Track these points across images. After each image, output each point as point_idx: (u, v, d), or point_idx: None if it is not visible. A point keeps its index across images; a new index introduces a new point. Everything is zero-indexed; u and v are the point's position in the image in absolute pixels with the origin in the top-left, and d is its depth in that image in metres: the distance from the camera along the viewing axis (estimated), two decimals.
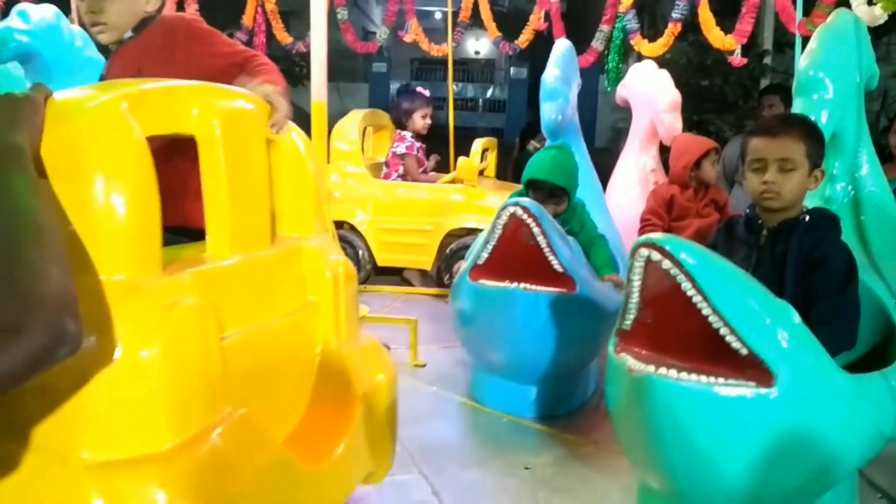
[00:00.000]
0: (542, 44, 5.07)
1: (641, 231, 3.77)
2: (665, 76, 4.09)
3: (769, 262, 1.91)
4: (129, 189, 1.20)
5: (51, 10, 3.15)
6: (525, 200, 2.37)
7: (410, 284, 4.71)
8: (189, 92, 1.43)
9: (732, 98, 7.10)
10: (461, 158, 4.42)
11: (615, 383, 1.71)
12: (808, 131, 1.93)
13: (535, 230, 2.37)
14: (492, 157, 5.07)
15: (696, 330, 1.59)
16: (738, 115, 7.07)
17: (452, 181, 4.53)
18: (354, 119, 4.63)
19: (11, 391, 0.92)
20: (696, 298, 1.51)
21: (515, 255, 2.46)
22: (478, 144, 4.55)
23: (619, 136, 8.70)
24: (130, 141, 1.23)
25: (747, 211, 2.04)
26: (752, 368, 1.56)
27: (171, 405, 1.19)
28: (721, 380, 1.54)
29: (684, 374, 1.52)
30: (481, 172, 4.82)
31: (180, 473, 1.15)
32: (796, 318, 1.64)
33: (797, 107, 2.24)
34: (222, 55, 1.88)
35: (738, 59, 4.09)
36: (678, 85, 4.11)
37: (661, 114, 4.01)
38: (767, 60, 7.05)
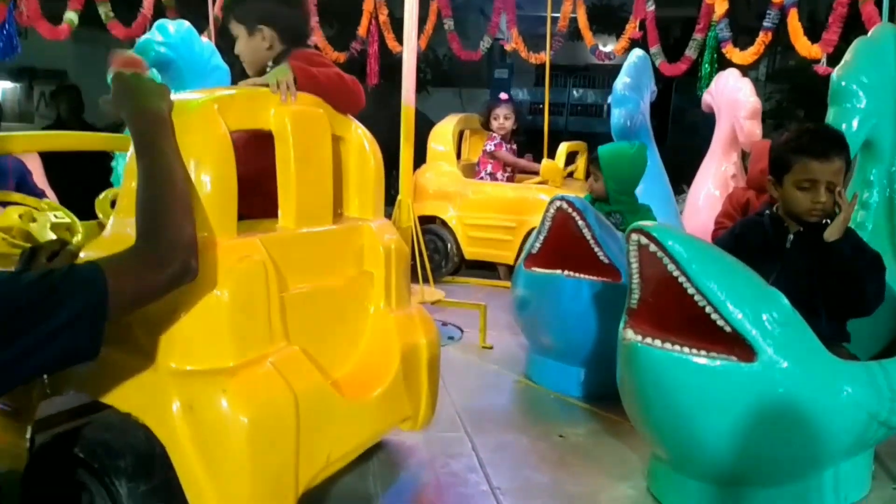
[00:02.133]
0: (667, 51, 5.19)
1: (714, 234, 3.90)
2: (746, 84, 4.18)
3: (799, 265, 2.04)
4: (214, 170, 1.59)
5: (185, 25, 3.71)
6: (571, 195, 2.63)
7: (500, 278, 5.02)
8: (267, 96, 1.82)
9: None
10: (545, 160, 4.68)
11: (622, 357, 1.95)
12: (846, 150, 2.07)
13: (580, 223, 2.62)
14: (581, 161, 5.29)
15: (687, 310, 1.81)
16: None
17: (539, 182, 4.80)
18: (450, 122, 4.99)
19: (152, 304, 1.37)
20: (682, 279, 1.74)
21: (565, 247, 2.72)
22: (563, 147, 4.79)
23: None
24: (217, 133, 1.62)
25: (767, 212, 2.20)
26: (736, 345, 1.76)
27: (236, 334, 1.57)
28: (703, 352, 1.75)
29: (668, 345, 1.75)
30: (571, 175, 5.05)
31: (239, 386, 1.53)
32: (785, 303, 1.83)
33: (831, 115, 2.37)
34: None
35: (824, 69, 4.11)
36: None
37: (742, 120, 4.11)
38: None
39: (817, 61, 4.12)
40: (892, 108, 2.34)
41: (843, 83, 2.31)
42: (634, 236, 1.76)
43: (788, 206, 2.14)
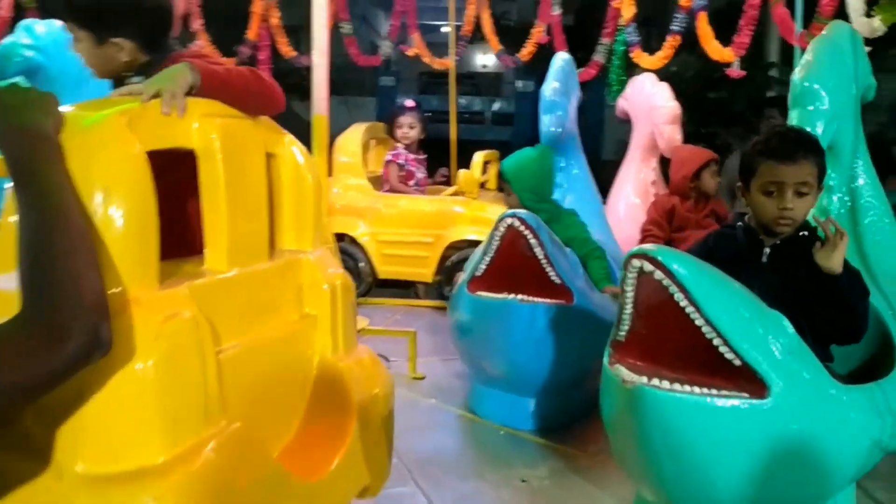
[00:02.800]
0: (549, 57, 5.11)
1: (642, 242, 3.79)
2: (664, 88, 4.11)
3: (775, 280, 1.88)
4: (127, 202, 1.22)
5: (56, 25, 3.18)
6: (522, 212, 2.39)
7: (418, 296, 4.72)
8: (189, 107, 1.45)
9: (739, 110, 7.12)
10: (461, 171, 4.44)
11: (609, 395, 1.72)
12: (818, 153, 1.92)
13: (533, 241, 2.38)
14: (493, 170, 5.09)
15: (689, 341, 1.60)
16: (744, 128, 7.09)
17: (454, 194, 4.55)
18: (356, 132, 4.66)
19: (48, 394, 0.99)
20: (689, 309, 1.52)
21: (513, 267, 2.48)
22: (478, 157, 4.57)
23: (625, 148, 8.71)
24: (130, 155, 1.25)
25: (740, 224, 2.03)
26: (746, 379, 1.57)
27: (166, 418, 1.20)
28: (714, 391, 1.55)
29: (677, 385, 1.53)
30: (483, 185, 4.84)
31: (174, 487, 1.16)
32: (790, 327, 1.66)
33: (793, 118, 2.25)
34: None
35: (736, 72, 4.11)
36: (685, 97, 4.14)
37: (660, 125, 4.04)
38: (773, 73, 7.07)
39: (729, 65, 4.10)
40: (851, 109, 2.25)
41: (806, 84, 2.19)
42: (636, 262, 1.53)
43: (756, 214, 1.99)
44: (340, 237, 4.49)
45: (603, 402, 1.79)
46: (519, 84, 12.39)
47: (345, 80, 10.60)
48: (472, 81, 14.31)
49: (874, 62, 2.41)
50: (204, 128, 1.44)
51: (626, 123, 8.64)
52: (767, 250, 1.96)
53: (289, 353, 1.65)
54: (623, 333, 1.70)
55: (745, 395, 1.55)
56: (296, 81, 9.10)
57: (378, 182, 4.67)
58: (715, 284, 1.55)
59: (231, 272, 1.47)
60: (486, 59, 16.67)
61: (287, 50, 5.66)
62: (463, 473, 2.34)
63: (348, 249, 4.46)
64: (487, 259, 2.49)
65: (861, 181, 2.37)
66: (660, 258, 1.50)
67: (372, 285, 4.56)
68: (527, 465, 2.40)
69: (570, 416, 2.72)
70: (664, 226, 3.75)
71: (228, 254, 1.47)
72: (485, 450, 2.52)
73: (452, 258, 4.33)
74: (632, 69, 4.82)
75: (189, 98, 1.47)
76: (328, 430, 1.71)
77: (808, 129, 2.12)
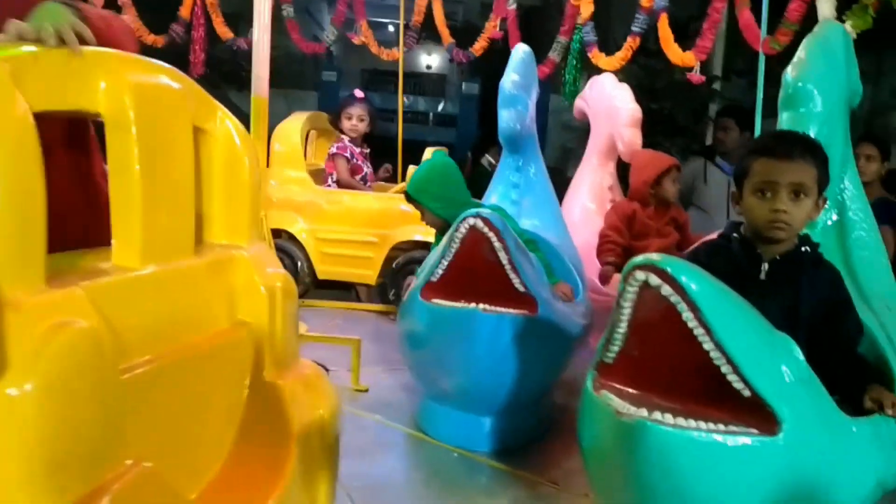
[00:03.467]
0: (495, 59, 4.92)
1: (601, 248, 3.60)
2: (626, 90, 3.95)
3: (774, 301, 1.68)
4: (5, 176, 0.92)
5: None
6: (486, 211, 2.14)
7: (359, 299, 4.42)
8: (96, 60, 1.15)
9: (682, 122, 7.08)
10: (411, 167, 4.16)
11: (594, 424, 1.49)
12: (819, 154, 1.73)
13: (497, 245, 2.14)
14: None
15: (691, 366, 1.39)
16: (687, 138, 7.04)
17: (401, 191, 4.28)
18: (297, 121, 4.35)
19: None
20: (698, 331, 1.30)
21: (473, 273, 2.23)
22: (428, 153, 4.31)
23: (567, 155, 8.59)
24: (11, 116, 0.94)
25: (735, 235, 1.83)
26: (754, 412, 1.37)
27: (48, 462, 0.90)
28: (721, 426, 1.33)
29: (681, 420, 1.31)
30: None
31: None
32: (799, 354, 1.46)
33: (783, 121, 2.08)
34: None
35: (697, 77, 3.98)
36: None
37: (621, 128, 3.86)
38: (717, 86, 7.05)
39: (690, 69, 3.97)
40: (842, 115, 2.09)
41: (800, 84, 2.01)
42: (640, 274, 1.30)
43: (748, 219, 1.80)
44: (277, 233, 4.17)
45: (583, 432, 1.56)
46: (464, 86, 12.18)
47: (285, 73, 10.22)
48: (417, 81, 14.04)
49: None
50: (113, 88, 1.14)
51: (569, 131, 8.56)
52: (766, 265, 1.76)
53: (216, 369, 1.36)
54: (612, 355, 1.47)
55: (754, 430, 1.35)
56: (232, 69, 8.66)
57: (319, 176, 4.36)
58: (728, 303, 1.34)
59: (145, 270, 1.17)
60: (430, 60, 16.46)
61: (224, 31, 5.28)
62: (413, 503, 2.07)
63: (286, 247, 4.14)
64: (445, 263, 2.23)
65: (848, 193, 2.21)
66: (669, 270, 1.27)
67: (310, 286, 4.25)
68: (483, 493, 2.15)
69: (526, 437, 2.49)
70: (624, 231, 3.57)
71: (142, 247, 1.17)
72: (437, 475, 2.26)
73: (398, 260, 4.06)
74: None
75: (97, 50, 1.17)
76: (262, 460, 1.43)
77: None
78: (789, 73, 2.04)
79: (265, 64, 2.93)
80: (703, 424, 1.31)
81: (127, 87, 1.15)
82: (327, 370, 3.13)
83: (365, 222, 4.11)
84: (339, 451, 1.64)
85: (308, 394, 1.55)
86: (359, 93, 4.37)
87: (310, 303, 4.21)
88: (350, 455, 2.29)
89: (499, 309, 2.19)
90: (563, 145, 9.27)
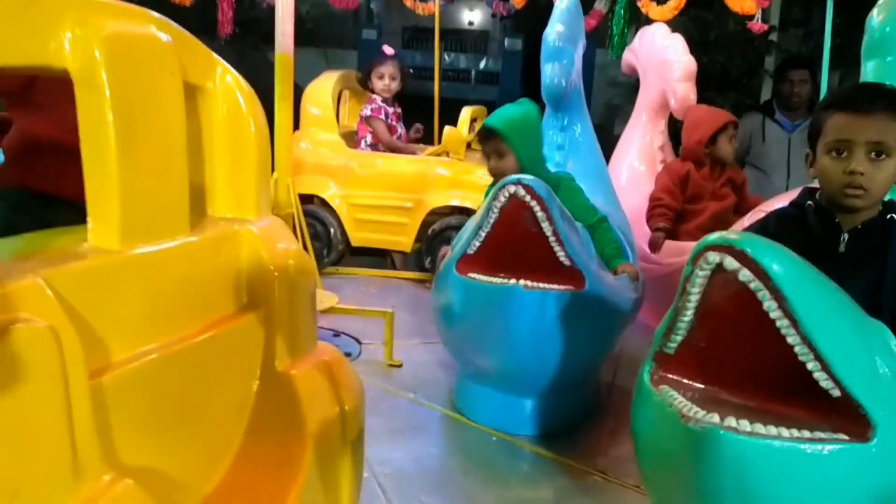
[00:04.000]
0: (538, 13, 4.63)
1: (651, 212, 3.36)
2: (679, 40, 3.64)
3: (855, 276, 1.46)
4: None
5: None
6: (528, 178, 1.93)
7: (394, 267, 4.26)
8: (61, 5, 0.97)
9: (736, 75, 6.67)
10: (447, 128, 3.96)
11: (654, 423, 1.30)
12: None
13: (540, 214, 1.93)
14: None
15: (768, 360, 1.18)
16: (740, 93, 6.64)
17: (437, 154, 4.08)
18: (328, 81, 4.15)
19: None
20: (782, 322, 1.09)
21: (513, 245, 2.03)
22: (466, 113, 4.09)
23: (614, 112, 8.22)
24: None
25: (810, 203, 1.60)
26: (843, 414, 1.15)
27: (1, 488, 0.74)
28: (806, 432, 1.13)
29: (759, 427, 1.10)
30: (469, 145, 4.37)
31: None
32: (892, 339, 1.24)
33: (867, 71, 1.82)
34: None
35: (758, 25, 3.66)
36: None
37: (673, 83, 3.57)
38: (773, 37, 6.62)
39: (751, 17, 3.64)
40: None
41: (888, 28, 1.74)
42: (714, 256, 1.09)
43: (822, 184, 1.57)
44: (309, 199, 4.01)
45: (639, 429, 1.37)
46: (506, 42, 11.81)
47: (324, 32, 10.01)
48: (458, 38, 13.67)
49: None
50: (82, 40, 0.96)
51: (616, 87, 8.16)
52: (846, 236, 1.53)
53: (220, 361, 1.20)
54: (674, 345, 1.27)
55: (844, 436, 1.14)
56: (271, 30, 8.48)
57: (350, 138, 4.17)
58: (818, 291, 1.12)
59: (127, 251, 1.00)
60: (472, 16, 16.07)
61: None
62: (449, 493, 1.91)
63: (318, 213, 3.98)
64: (483, 234, 2.04)
65: None
66: (750, 252, 1.05)
67: (344, 253, 4.09)
68: (525, 482, 1.98)
69: (570, 421, 2.31)
70: (677, 194, 3.32)
71: (121, 225, 1.00)
72: (474, 461, 2.10)
73: (434, 226, 3.87)
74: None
75: None
76: (276, 459, 1.27)
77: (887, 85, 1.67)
78: (875, 16, 1.78)
79: (289, 19, 2.73)
80: (784, 431, 1.11)
81: (98, 39, 0.97)
82: (360, 343, 3.01)
83: (399, 187, 3.93)
84: (363, 447, 1.49)
85: (327, 384, 1.38)
86: (388, 49, 4.14)
87: (343, 271, 4.07)
88: (381, 437, 2.17)
89: (542, 285, 1.99)
90: (608, 102, 8.89)
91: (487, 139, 2.46)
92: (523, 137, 2.42)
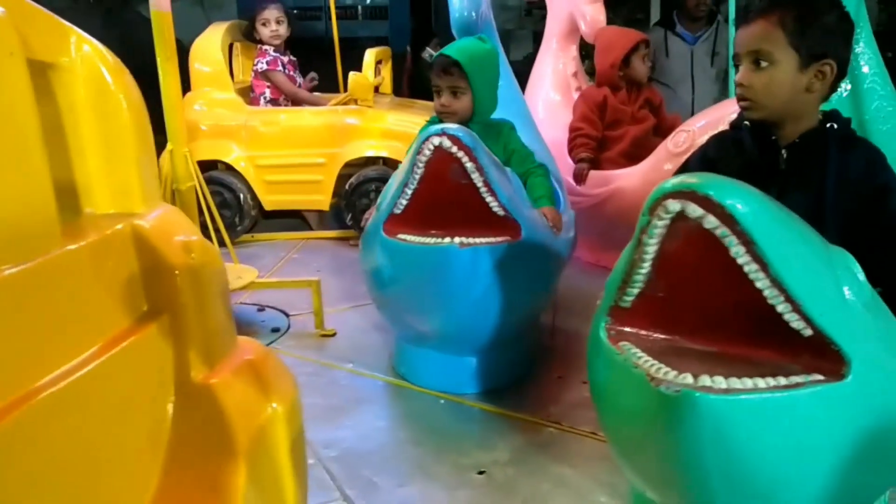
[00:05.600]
0: None
1: (572, 143, 3.27)
2: None
3: (797, 192, 1.41)
4: None
5: None
6: (453, 127, 1.78)
7: (310, 228, 4.06)
8: None
9: None
10: (352, 73, 3.72)
11: (616, 386, 1.20)
12: (797, 11, 1.39)
13: (469, 165, 1.79)
14: (386, 71, 4.40)
15: (732, 303, 1.10)
16: (631, 9, 6.53)
17: (344, 102, 3.85)
18: (216, 34, 3.82)
19: None
20: (750, 267, 1.00)
21: (443, 199, 1.89)
22: (369, 56, 3.86)
23: (508, 38, 7.94)
24: None
25: (746, 123, 1.52)
26: (815, 352, 1.09)
27: None
28: (781, 379, 1.05)
29: (735, 382, 1.02)
30: (377, 89, 4.15)
31: None
32: (860, 271, 1.17)
33: None
34: None
35: None
36: None
37: (581, 5, 3.44)
38: None
39: None
40: None
41: None
42: (673, 204, 0.97)
43: None
44: (212, 165, 3.74)
45: (599, 389, 1.28)
46: None
47: None
48: None
49: None
50: None
51: (507, 10, 7.94)
52: (784, 153, 1.46)
53: (121, 386, 1.02)
54: (630, 298, 1.17)
55: (819, 376, 1.07)
56: None
57: (247, 95, 3.89)
58: (783, 229, 1.03)
59: None
60: None
61: None
62: (403, 468, 1.81)
63: (224, 179, 3.72)
64: (409, 191, 1.88)
65: (863, 58, 1.89)
66: (713, 195, 0.94)
67: (258, 219, 3.86)
68: (480, 445, 1.89)
69: (517, 372, 2.23)
70: (596, 122, 3.24)
71: None
72: (425, 429, 1.99)
73: (352, 179, 3.68)
74: None
75: None
76: (208, 484, 1.12)
77: None
78: None
79: None
80: (760, 382, 1.02)
81: None
82: (287, 315, 2.84)
83: (308, 142, 3.69)
84: (303, 444, 1.34)
85: (253, 388, 1.23)
86: None
87: (260, 237, 3.85)
88: (322, 417, 2.03)
89: (476, 240, 1.86)
90: (500, 28, 8.67)
91: (445, 72, 2.20)
92: (484, 77, 2.24)
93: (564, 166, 3.17)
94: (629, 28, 3.40)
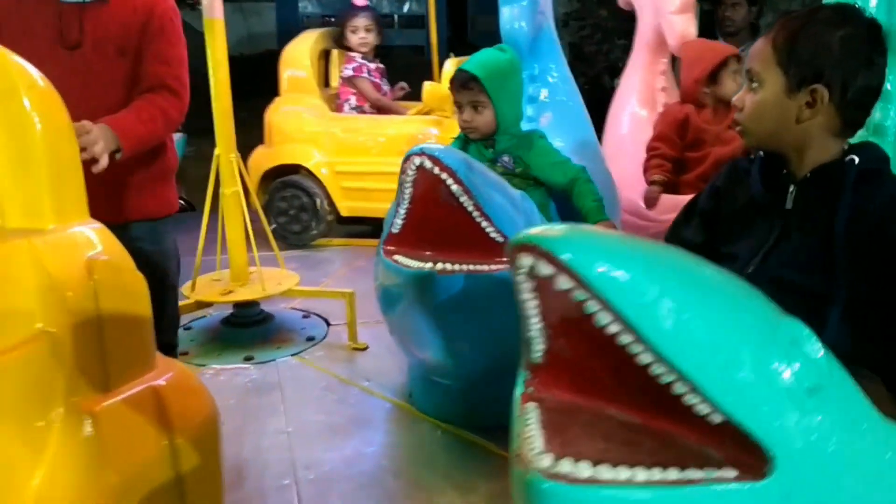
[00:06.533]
0: None
1: (646, 164, 3.05)
2: None
3: (800, 234, 1.22)
4: None
5: None
6: (435, 147, 1.69)
7: None
8: None
9: None
10: (427, 83, 3.68)
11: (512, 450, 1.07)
12: (792, 29, 1.20)
13: (455, 188, 1.69)
14: None
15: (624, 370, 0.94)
16: None
17: (422, 112, 3.82)
18: (306, 41, 3.92)
19: None
20: (625, 338, 0.84)
21: (440, 220, 1.80)
22: (450, 65, 3.79)
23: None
24: None
25: (760, 153, 1.33)
26: (736, 440, 0.90)
27: None
28: (673, 473, 0.88)
29: (605, 471, 0.86)
30: None
31: None
32: (814, 349, 0.96)
33: None
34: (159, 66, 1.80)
35: None
36: None
37: (668, 16, 3.20)
38: None
39: None
40: None
41: None
42: (525, 259, 0.84)
43: None
44: (294, 169, 3.83)
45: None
46: None
47: None
48: None
49: None
50: None
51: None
52: (793, 189, 1.26)
53: None
54: (538, 354, 1.03)
55: (733, 472, 0.88)
56: None
57: (332, 102, 3.95)
58: (668, 293, 0.85)
59: None
60: None
61: None
62: (374, 499, 1.74)
63: (302, 183, 3.80)
64: (402, 211, 1.81)
65: None
66: (555, 252, 0.80)
67: (333, 224, 3.91)
68: (459, 486, 1.78)
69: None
70: (675, 141, 2.99)
71: None
72: (412, 461, 1.91)
73: None
74: None
75: None
76: None
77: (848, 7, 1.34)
78: None
79: None
80: (639, 474, 0.86)
81: None
82: (328, 324, 2.84)
83: (385, 150, 3.70)
84: (216, 480, 1.30)
85: (146, 417, 1.20)
86: (360, 1, 3.87)
87: (335, 242, 3.91)
88: (317, 437, 2.00)
89: (465, 267, 1.75)
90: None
91: (464, 88, 2.16)
92: (506, 90, 2.16)
93: (643, 187, 2.98)
94: (718, 42, 3.13)
